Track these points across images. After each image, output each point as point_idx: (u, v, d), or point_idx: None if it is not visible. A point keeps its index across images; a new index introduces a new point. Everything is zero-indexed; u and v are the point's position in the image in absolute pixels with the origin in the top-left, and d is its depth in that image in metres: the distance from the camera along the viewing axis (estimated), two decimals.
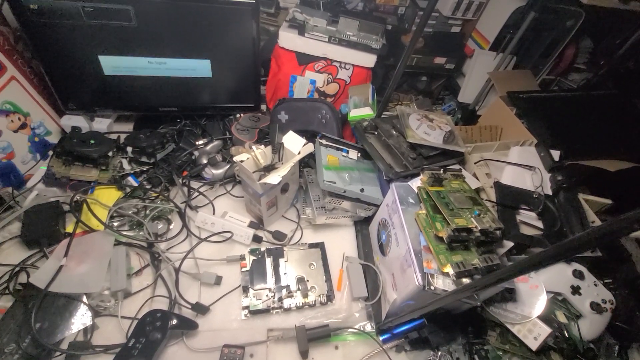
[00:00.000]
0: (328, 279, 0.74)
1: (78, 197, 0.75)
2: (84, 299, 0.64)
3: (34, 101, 0.83)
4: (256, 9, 0.81)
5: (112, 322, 0.64)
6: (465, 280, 0.56)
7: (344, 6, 1.05)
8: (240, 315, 0.68)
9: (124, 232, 0.73)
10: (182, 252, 0.72)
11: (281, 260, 0.75)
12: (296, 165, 0.75)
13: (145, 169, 0.85)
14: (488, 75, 1.13)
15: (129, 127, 0.97)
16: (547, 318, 0.66)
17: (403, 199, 0.67)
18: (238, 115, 1.00)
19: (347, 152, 0.84)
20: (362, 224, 0.85)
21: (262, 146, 0.75)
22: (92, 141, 0.80)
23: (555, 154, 0.86)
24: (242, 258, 0.74)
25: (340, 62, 0.99)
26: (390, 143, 0.81)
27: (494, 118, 1.05)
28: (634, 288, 0.75)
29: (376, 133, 0.84)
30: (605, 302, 0.67)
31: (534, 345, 0.64)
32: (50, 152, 0.83)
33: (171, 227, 0.78)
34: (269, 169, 0.73)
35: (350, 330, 0.69)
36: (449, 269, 0.56)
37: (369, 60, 0.98)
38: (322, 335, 0.65)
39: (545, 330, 0.64)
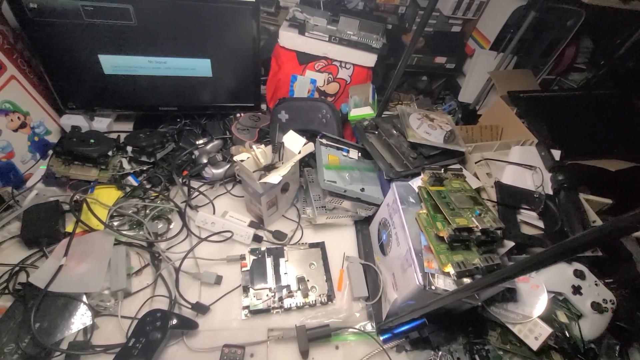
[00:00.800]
0: (328, 279, 0.74)
1: (78, 197, 0.74)
2: (84, 298, 0.64)
3: (33, 100, 0.83)
4: (256, 8, 0.80)
5: (112, 322, 0.64)
6: (466, 280, 0.55)
7: (345, 5, 1.05)
8: (240, 315, 0.68)
9: (124, 232, 0.73)
10: (182, 252, 0.72)
11: (281, 260, 0.74)
12: (296, 164, 0.75)
13: (145, 168, 0.85)
14: (488, 75, 1.13)
15: (128, 126, 0.97)
16: (548, 318, 0.66)
17: (404, 199, 0.67)
18: (238, 115, 1.00)
19: (348, 151, 0.84)
20: (362, 224, 0.85)
21: (263, 146, 0.74)
22: (92, 140, 0.80)
23: (556, 154, 0.86)
24: (243, 258, 0.74)
25: (341, 62, 0.99)
26: (390, 142, 0.80)
27: (494, 118, 1.05)
28: (635, 288, 0.75)
29: (377, 132, 0.84)
30: (606, 302, 0.67)
31: (534, 345, 0.64)
32: (50, 152, 0.83)
33: (171, 226, 0.78)
34: (269, 168, 0.73)
35: (350, 330, 0.69)
36: (449, 269, 0.56)
37: (369, 59, 0.98)
38: (322, 335, 0.65)
39: (546, 330, 0.64)
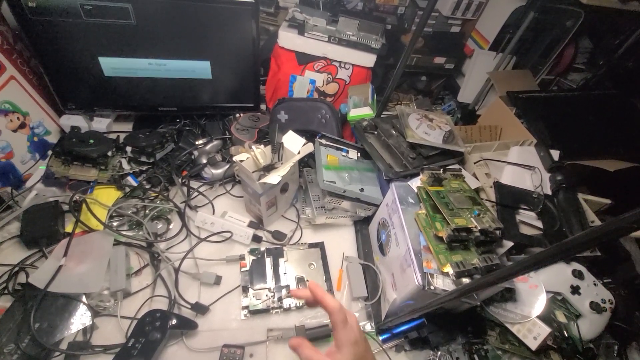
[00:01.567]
0: (328, 279, 0.74)
1: (77, 197, 0.74)
2: (83, 299, 0.64)
3: (33, 101, 0.83)
4: (256, 9, 0.80)
5: (112, 322, 0.64)
6: (465, 280, 0.56)
7: (344, 6, 1.05)
8: (240, 315, 0.68)
9: (124, 232, 0.73)
10: (182, 252, 0.72)
11: (281, 260, 0.75)
12: (296, 165, 0.75)
13: (144, 168, 0.85)
14: (488, 75, 1.14)
15: (128, 126, 0.97)
16: (546, 318, 0.66)
17: (403, 199, 0.67)
18: (238, 115, 1.00)
19: (347, 151, 0.84)
20: (361, 224, 0.85)
21: (262, 146, 0.75)
22: (91, 141, 0.80)
23: (555, 154, 0.87)
24: (242, 258, 0.74)
25: (340, 62, 0.99)
26: (389, 143, 0.81)
27: (493, 118, 1.05)
28: (634, 288, 0.76)
29: (376, 133, 0.84)
30: (605, 302, 0.67)
31: (533, 344, 0.64)
32: (50, 152, 0.83)
33: (171, 226, 0.78)
34: (269, 168, 0.73)
35: None
36: (448, 269, 0.56)
37: (368, 60, 0.98)
38: (321, 335, 0.65)
39: (544, 330, 0.64)
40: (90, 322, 0.62)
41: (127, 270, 0.68)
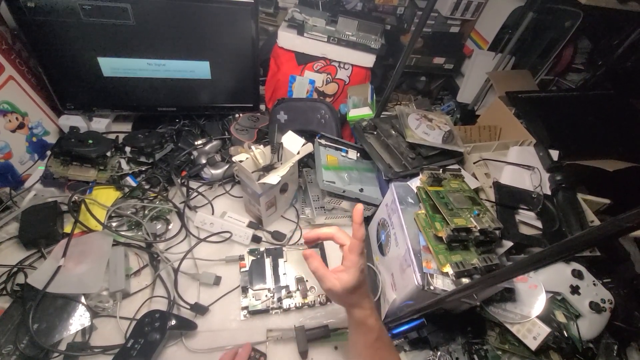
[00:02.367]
0: None
1: (76, 197, 0.74)
2: (82, 299, 0.64)
3: (31, 101, 0.83)
4: (255, 9, 0.80)
5: (111, 323, 0.64)
6: (465, 280, 0.56)
7: (343, 6, 1.05)
8: (239, 315, 0.68)
9: (123, 233, 0.73)
10: (181, 253, 0.72)
11: (280, 261, 0.74)
12: (295, 165, 0.75)
13: (143, 169, 0.85)
14: (487, 75, 1.14)
15: (127, 127, 0.97)
16: (546, 318, 0.66)
17: (402, 199, 0.67)
18: (237, 115, 1.00)
19: (346, 152, 0.84)
20: None
21: (261, 146, 0.74)
22: (90, 141, 0.80)
23: (554, 154, 0.87)
24: (241, 258, 0.74)
25: (339, 62, 0.99)
26: (389, 143, 0.81)
27: (492, 118, 1.06)
28: (633, 288, 0.76)
29: (375, 133, 0.84)
30: (605, 302, 0.67)
31: (533, 345, 0.64)
32: (48, 152, 0.82)
33: (170, 227, 0.78)
34: (268, 169, 0.73)
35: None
36: (448, 269, 0.56)
37: (368, 60, 0.98)
38: (321, 335, 0.65)
39: (544, 330, 0.64)
40: (89, 323, 0.62)
41: (126, 271, 0.68)
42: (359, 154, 0.85)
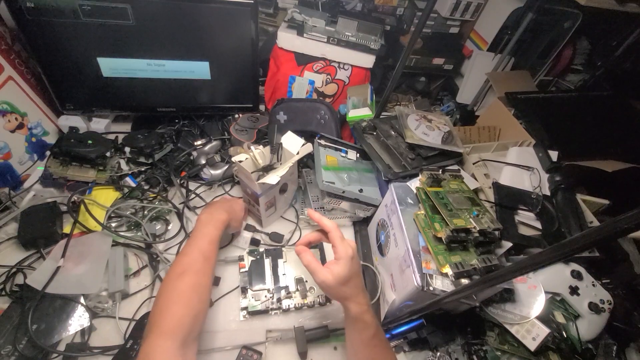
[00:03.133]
0: None
1: (75, 198, 0.74)
2: (82, 300, 0.64)
3: (31, 101, 0.83)
4: (255, 9, 0.80)
5: (110, 324, 0.64)
6: (464, 281, 0.56)
7: (343, 7, 1.05)
8: (238, 316, 0.68)
9: (122, 233, 0.73)
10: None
11: (280, 261, 0.74)
12: (295, 165, 0.75)
13: (143, 169, 0.85)
14: (486, 76, 1.14)
15: (126, 127, 0.97)
16: (545, 318, 0.66)
17: (402, 200, 0.67)
18: (237, 116, 1.00)
19: (346, 152, 0.84)
20: (360, 225, 0.85)
21: (261, 146, 0.74)
22: (89, 141, 0.79)
23: (553, 155, 0.87)
24: (241, 259, 0.74)
25: (339, 63, 0.99)
26: (388, 143, 0.81)
27: (492, 119, 1.06)
28: (632, 288, 0.76)
29: (375, 133, 0.84)
30: (604, 303, 0.68)
31: (532, 345, 0.64)
32: (48, 153, 0.82)
33: (169, 227, 0.78)
34: (268, 169, 0.73)
35: None
36: (447, 270, 0.56)
37: (367, 60, 0.98)
38: (321, 336, 0.65)
39: (543, 331, 0.64)
40: (89, 324, 0.62)
41: (126, 271, 0.68)
42: (358, 155, 0.85)
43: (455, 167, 0.80)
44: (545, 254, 0.36)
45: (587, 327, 0.67)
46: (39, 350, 0.58)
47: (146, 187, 0.82)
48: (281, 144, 0.75)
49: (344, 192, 0.74)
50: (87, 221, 0.72)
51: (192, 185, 0.86)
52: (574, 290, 0.68)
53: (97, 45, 0.79)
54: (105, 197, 0.77)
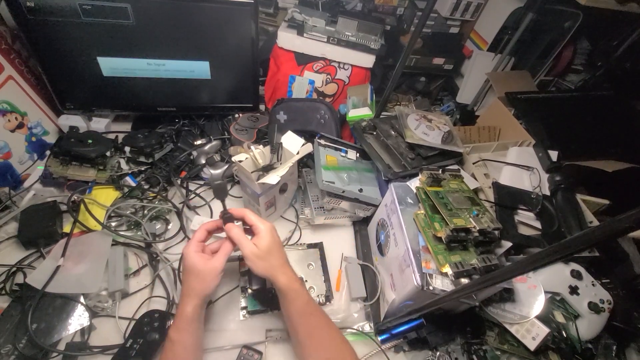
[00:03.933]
0: (327, 279, 0.74)
1: (75, 197, 0.74)
2: (82, 299, 0.64)
3: (31, 101, 0.83)
4: (255, 9, 0.80)
5: (110, 323, 0.64)
6: (464, 281, 0.56)
7: (343, 6, 1.05)
8: (238, 315, 0.68)
9: (122, 232, 0.73)
10: (180, 253, 0.72)
11: None
12: (295, 165, 0.75)
13: (143, 169, 0.85)
14: (486, 76, 1.14)
15: (126, 126, 0.97)
16: (545, 318, 0.66)
17: (402, 199, 0.67)
18: (237, 115, 1.00)
19: (346, 152, 0.84)
20: (360, 224, 0.85)
21: (261, 146, 0.74)
22: (89, 141, 0.80)
23: (553, 155, 0.87)
24: (241, 258, 0.74)
25: (339, 63, 0.99)
26: (388, 143, 0.81)
27: (492, 118, 1.06)
28: (632, 288, 0.76)
29: (375, 133, 0.84)
30: (603, 302, 0.68)
31: (532, 345, 0.64)
32: (48, 152, 0.82)
33: (169, 227, 0.78)
34: (268, 169, 0.73)
35: (348, 330, 0.69)
36: (447, 269, 0.56)
37: (367, 60, 0.98)
38: None
39: (543, 330, 0.64)
40: (88, 323, 0.62)
41: (126, 271, 0.68)
42: (358, 154, 0.85)
43: (455, 166, 0.80)
44: (545, 253, 0.36)
45: (587, 326, 0.67)
46: (39, 349, 0.58)
47: (146, 187, 0.82)
48: (281, 143, 0.75)
49: (343, 191, 0.74)
50: (87, 220, 0.72)
51: (192, 185, 0.86)
52: (573, 290, 0.68)
53: (98, 44, 0.79)
54: (105, 196, 0.77)
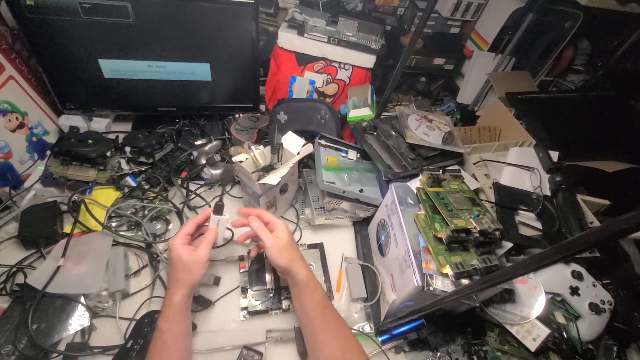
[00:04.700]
0: (327, 280, 0.74)
1: (76, 197, 0.74)
2: (82, 299, 0.64)
3: (31, 101, 0.83)
4: (255, 9, 0.80)
5: (110, 323, 0.64)
6: (464, 281, 0.56)
7: (343, 6, 1.05)
8: (239, 316, 0.68)
9: (122, 233, 0.73)
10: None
11: None
12: (295, 165, 0.75)
13: (143, 169, 0.85)
14: (487, 76, 1.14)
15: (127, 127, 0.97)
16: (545, 319, 0.66)
17: (402, 200, 0.67)
18: (237, 116, 1.00)
19: (346, 152, 0.84)
20: (361, 225, 0.85)
21: (261, 146, 0.74)
22: (90, 141, 0.79)
23: (554, 155, 0.87)
24: (241, 259, 0.74)
25: (340, 63, 0.99)
26: (389, 143, 0.80)
27: (492, 119, 1.06)
28: (633, 289, 0.76)
29: (375, 133, 0.84)
30: (604, 303, 0.68)
31: (532, 346, 0.64)
32: (48, 152, 0.82)
33: (169, 227, 0.78)
34: (268, 169, 0.73)
35: None
36: (448, 270, 0.56)
37: (368, 60, 0.98)
38: None
39: (544, 331, 0.64)
40: (89, 323, 0.62)
41: (126, 271, 0.68)
42: (359, 155, 0.85)
43: (456, 167, 0.80)
44: (545, 254, 0.36)
45: (588, 327, 0.67)
46: (39, 349, 0.58)
47: (146, 187, 0.82)
48: (282, 144, 0.75)
49: (344, 192, 0.74)
50: (87, 221, 0.72)
51: (193, 186, 0.86)
52: (574, 291, 0.68)
53: (98, 45, 0.79)
54: (105, 196, 0.77)
